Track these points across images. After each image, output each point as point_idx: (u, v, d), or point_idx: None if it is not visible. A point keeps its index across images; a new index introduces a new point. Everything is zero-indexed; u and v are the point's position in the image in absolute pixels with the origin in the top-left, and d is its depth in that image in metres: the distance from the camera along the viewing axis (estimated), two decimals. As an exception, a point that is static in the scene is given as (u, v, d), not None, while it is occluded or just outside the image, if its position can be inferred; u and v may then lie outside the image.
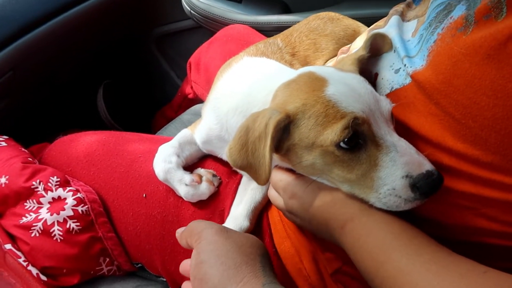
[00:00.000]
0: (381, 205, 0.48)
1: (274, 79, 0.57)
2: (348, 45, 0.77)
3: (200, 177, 0.70)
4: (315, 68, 0.53)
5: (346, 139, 0.46)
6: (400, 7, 0.63)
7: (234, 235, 0.50)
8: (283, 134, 0.50)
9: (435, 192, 0.46)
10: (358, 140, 0.47)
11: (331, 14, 0.96)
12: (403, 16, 0.60)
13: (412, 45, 0.53)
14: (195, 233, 0.51)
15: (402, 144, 0.47)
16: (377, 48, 0.58)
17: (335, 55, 0.85)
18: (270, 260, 0.50)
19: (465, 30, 0.44)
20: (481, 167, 0.44)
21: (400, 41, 0.54)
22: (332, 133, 0.46)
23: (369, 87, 0.51)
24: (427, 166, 0.46)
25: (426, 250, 0.43)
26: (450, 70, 0.45)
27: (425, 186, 0.45)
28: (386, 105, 0.49)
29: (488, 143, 0.43)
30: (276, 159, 0.56)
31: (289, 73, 0.56)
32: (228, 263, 0.45)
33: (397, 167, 0.46)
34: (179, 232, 0.55)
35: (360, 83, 0.50)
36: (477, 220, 0.47)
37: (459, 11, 0.46)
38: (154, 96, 1.57)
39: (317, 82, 0.50)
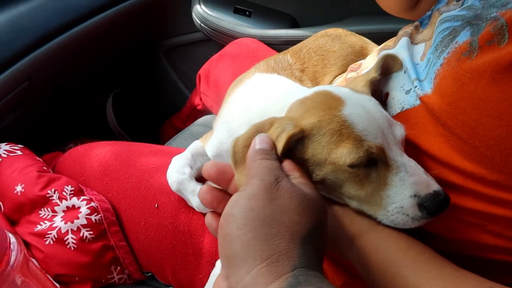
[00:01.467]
0: (388, 222, 0.49)
1: (287, 96, 0.58)
2: (358, 62, 0.79)
3: (212, 188, 0.71)
4: (332, 88, 0.55)
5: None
6: (409, 29, 0.65)
7: (284, 195, 0.39)
8: (297, 146, 0.51)
9: (441, 211, 0.47)
10: (370, 161, 0.48)
11: (339, 30, 0.98)
12: (411, 39, 0.62)
13: (421, 69, 0.55)
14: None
15: (412, 164, 0.49)
16: (387, 68, 0.60)
17: (343, 71, 0.87)
18: (322, 233, 0.41)
19: (469, 55, 0.46)
20: (487, 185, 0.46)
21: (410, 63, 0.56)
22: (346, 155, 0.47)
23: (383, 111, 0.52)
24: (435, 186, 0.47)
25: (433, 266, 0.44)
26: (456, 93, 0.47)
27: (432, 206, 0.46)
28: (400, 130, 0.51)
29: (493, 162, 0.45)
30: None
31: (303, 91, 0.58)
32: (260, 233, 0.36)
33: (405, 187, 0.47)
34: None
35: (375, 106, 0.52)
36: (483, 236, 0.49)
37: (463, 37, 0.48)
38: (162, 106, 1.60)
39: (334, 101, 0.51)
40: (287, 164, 0.46)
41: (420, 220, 0.48)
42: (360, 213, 0.51)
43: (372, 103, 0.52)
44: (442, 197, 0.47)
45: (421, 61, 0.56)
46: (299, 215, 0.38)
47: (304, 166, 0.52)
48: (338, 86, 0.57)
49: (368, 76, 0.58)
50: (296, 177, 0.44)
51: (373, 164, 0.48)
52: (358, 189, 0.49)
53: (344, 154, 0.47)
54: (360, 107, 0.50)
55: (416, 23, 0.66)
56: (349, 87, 0.57)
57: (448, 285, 0.41)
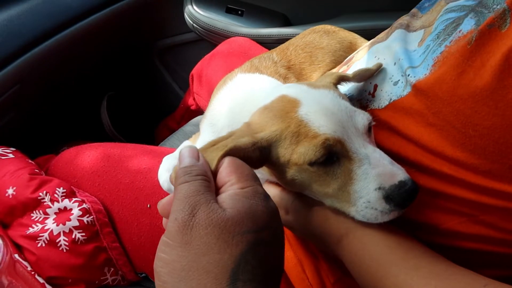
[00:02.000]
0: (360, 217, 0.48)
1: (264, 97, 0.57)
2: (350, 56, 0.78)
3: (203, 187, 0.71)
4: (287, 90, 0.54)
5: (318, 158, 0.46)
6: (404, 19, 0.64)
7: (199, 233, 0.34)
8: (265, 151, 0.49)
9: (410, 202, 0.46)
10: (331, 156, 0.47)
11: (327, 27, 0.98)
12: (408, 28, 0.61)
13: (417, 55, 0.53)
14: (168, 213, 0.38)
15: (376, 155, 0.47)
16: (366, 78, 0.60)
17: (332, 68, 0.87)
18: (262, 250, 0.36)
19: (469, 41, 0.45)
20: (479, 175, 0.45)
21: (404, 53, 0.55)
22: (305, 153, 0.46)
23: (342, 102, 0.51)
24: (400, 176, 0.45)
25: (423, 263, 0.43)
26: (455, 81, 0.46)
27: (398, 197, 0.45)
28: (362, 119, 0.49)
29: (487, 152, 0.44)
30: (266, 173, 0.57)
31: (269, 94, 0.56)
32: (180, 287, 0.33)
33: (369, 180, 0.46)
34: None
35: (333, 99, 0.50)
36: (475, 226, 0.48)
37: (467, 26, 0.47)
38: (157, 107, 1.60)
39: (289, 104, 0.50)
40: (226, 167, 0.41)
41: (390, 213, 0.46)
42: None
43: (329, 98, 0.51)
44: (408, 187, 0.45)
45: (418, 47, 0.55)
46: (220, 251, 0.34)
47: (275, 169, 0.52)
48: (296, 85, 0.56)
49: (342, 73, 0.58)
50: (232, 182, 0.39)
51: (335, 159, 0.47)
52: (325, 186, 0.48)
53: (303, 152, 0.47)
54: (316, 104, 0.49)
55: (414, 10, 0.64)
56: (307, 82, 0.56)
57: (439, 283, 0.40)
